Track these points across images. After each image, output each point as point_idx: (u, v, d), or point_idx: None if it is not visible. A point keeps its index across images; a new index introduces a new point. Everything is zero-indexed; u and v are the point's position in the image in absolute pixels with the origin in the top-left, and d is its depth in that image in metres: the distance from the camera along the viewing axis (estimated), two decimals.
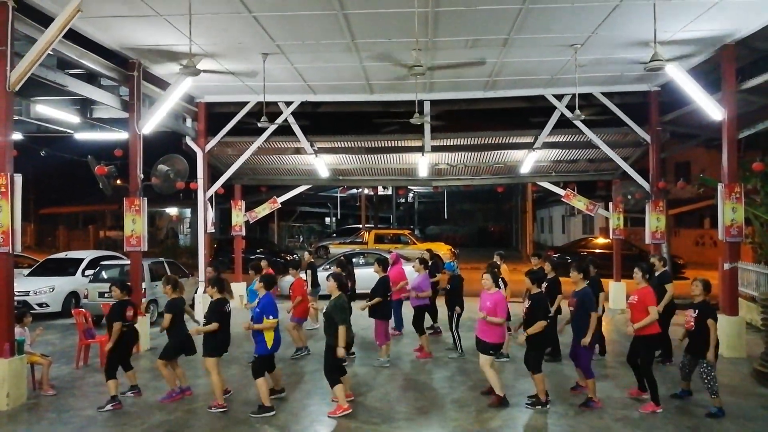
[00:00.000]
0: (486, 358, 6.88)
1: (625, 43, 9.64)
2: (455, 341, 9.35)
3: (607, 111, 13.11)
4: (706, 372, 6.52)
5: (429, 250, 12.65)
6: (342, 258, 11.76)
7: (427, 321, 10.07)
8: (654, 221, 12.70)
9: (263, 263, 9.73)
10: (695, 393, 7.04)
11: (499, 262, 9.71)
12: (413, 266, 9.95)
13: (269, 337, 6.70)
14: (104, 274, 12.92)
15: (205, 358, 6.82)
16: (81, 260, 14.48)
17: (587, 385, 6.89)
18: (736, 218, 9.54)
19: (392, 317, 9.70)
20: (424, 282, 9.65)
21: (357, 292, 11.06)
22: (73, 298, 13.41)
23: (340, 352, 6.45)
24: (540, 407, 6.71)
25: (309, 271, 11.63)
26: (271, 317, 6.66)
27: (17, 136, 12.23)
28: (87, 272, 13.82)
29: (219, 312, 6.81)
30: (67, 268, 14.22)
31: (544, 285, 7.64)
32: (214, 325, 6.72)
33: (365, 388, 7.66)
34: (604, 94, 12.75)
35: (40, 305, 12.83)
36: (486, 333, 6.87)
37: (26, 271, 14.56)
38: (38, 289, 13.09)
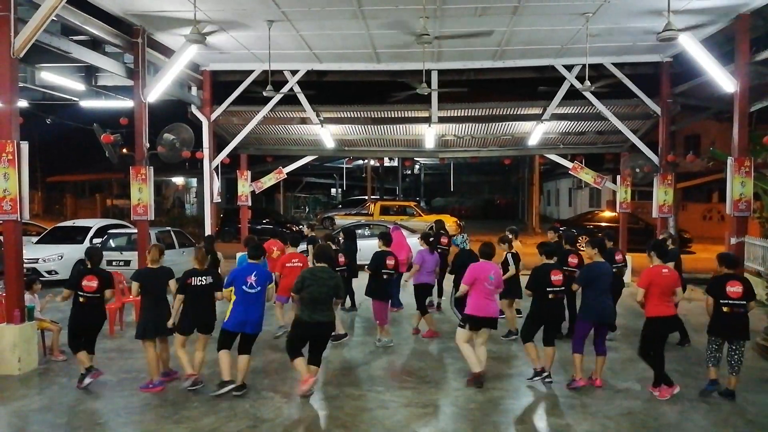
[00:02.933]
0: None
1: (637, 11, 9.44)
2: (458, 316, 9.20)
3: (618, 82, 12.93)
4: (740, 354, 6.17)
5: (438, 221, 11.66)
6: (347, 230, 11.35)
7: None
8: (662, 195, 12.62)
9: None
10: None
11: (510, 237, 9.14)
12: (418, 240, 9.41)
13: (227, 310, 6.29)
14: (112, 243, 13.03)
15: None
16: (89, 228, 14.58)
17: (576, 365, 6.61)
18: (744, 192, 9.47)
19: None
20: (419, 257, 8.89)
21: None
22: (81, 266, 13.55)
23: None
24: (537, 378, 6.65)
25: (310, 246, 11.37)
26: (224, 289, 6.38)
27: (23, 103, 12.20)
28: (95, 240, 13.93)
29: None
30: (75, 236, 14.32)
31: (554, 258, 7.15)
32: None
33: (369, 358, 7.75)
34: (614, 64, 12.56)
35: (49, 272, 12.96)
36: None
37: (35, 239, 14.69)
38: (47, 257, 13.21)
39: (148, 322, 6.47)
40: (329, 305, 6.25)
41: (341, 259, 9.08)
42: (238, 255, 8.78)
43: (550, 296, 6.54)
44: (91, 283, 6.51)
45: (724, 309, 6.12)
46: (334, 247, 8.78)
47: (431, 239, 9.20)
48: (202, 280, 6.39)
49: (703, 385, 6.42)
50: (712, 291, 6.24)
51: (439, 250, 9.84)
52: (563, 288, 6.61)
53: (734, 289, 6.12)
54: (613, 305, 6.68)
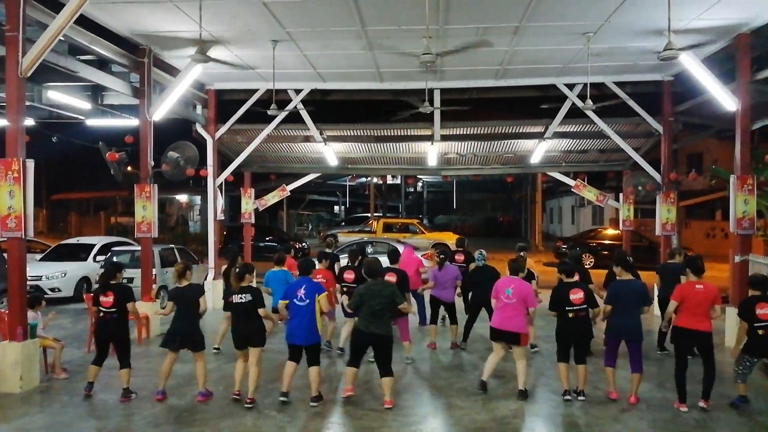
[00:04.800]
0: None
1: (638, 31, 9.52)
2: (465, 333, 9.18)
3: (619, 101, 12.98)
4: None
5: (460, 239, 11.36)
6: (354, 247, 11.23)
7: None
8: (665, 213, 12.60)
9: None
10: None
11: (524, 255, 9.08)
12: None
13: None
14: (115, 260, 13.03)
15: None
16: (92, 246, 14.62)
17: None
18: (748, 210, 9.45)
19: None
20: (431, 273, 9.29)
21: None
22: (84, 283, 13.56)
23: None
24: (568, 397, 6.69)
25: (324, 262, 11.21)
26: (280, 301, 6.82)
27: (29, 121, 12.31)
28: (98, 258, 13.95)
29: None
30: (79, 253, 14.36)
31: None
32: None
33: (372, 377, 7.70)
34: (616, 83, 12.62)
35: (52, 290, 12.97)
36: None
37: (38, 256, 14.72)
38: (50, 274, 13.23)
39: (169, 334, 6.76)
40: (387, 319, 6.47)
41: (351, 276, 8.91)
42: (267, 272, 8.87)
43: (570, 315, 6.59)
44: (107, 298, 6.73)
45: (759, 332, 6.28)
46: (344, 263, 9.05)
47: (441, 256, 9.35)
48: (241, 298, 6.53)
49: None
50: (744, 315, 6.38)
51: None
52: (584, 306, 6.61)
53: (764, 311, 6.27)
54: (639, 322, 6.60)
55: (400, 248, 9.93)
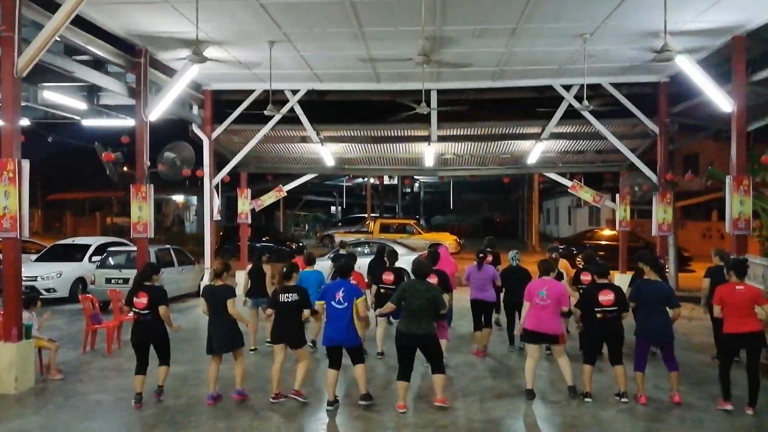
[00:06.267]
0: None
1: (634, 33, 9.55)
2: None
3: (616, 102, 13.03)
4: None
5: (490, 239, 10.78)
6: (388, 248, 10.48)
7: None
8: (661, 213, 12.64)
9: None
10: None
11: (555, 257, 9.01)
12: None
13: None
14: (111, 261, 13.01)
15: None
16: (88, 246, 14.56)
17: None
18: (743, 211, 9.49)
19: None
20: (467, 273, 8.83)
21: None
22: (80, 284, 13.50)
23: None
24: (580, 396, 6.71)
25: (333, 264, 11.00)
26: (316, 302, 6.68)
27: (25, 122, 12.27)
28: (94, 258, 13.91)
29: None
30: (75, 254, 14.30)
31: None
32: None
33: (374, 374, 7.69)
34: (612, 84, 12.66)
35: (47, 290, 12.91)
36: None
37: (34, 257, 14.66)
38: (46, 275, 13.17)
39: (208, 341, 6.62)
40: (427, 318, 6.30)
41: (391, 277, 8.64)
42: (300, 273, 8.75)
43: (598, 315, 6.57)
44: (141, 299, 6.52)
45: None
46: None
47: (480, 255, 8.89)
48: (288, 297, 6.46)
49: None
50: None
51: None
52: (614, 307, 6.55)
53: None
54: (668, 323, 6.54)
55: (440, 249, 9.34)
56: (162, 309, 6.54)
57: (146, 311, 6.49)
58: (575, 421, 6.21)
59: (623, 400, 6.61)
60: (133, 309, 6.57)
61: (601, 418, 6.25)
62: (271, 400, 6.59)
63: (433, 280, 7.67)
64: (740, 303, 6.23)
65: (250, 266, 9.14)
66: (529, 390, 6.77)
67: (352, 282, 6.78)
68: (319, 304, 6.59)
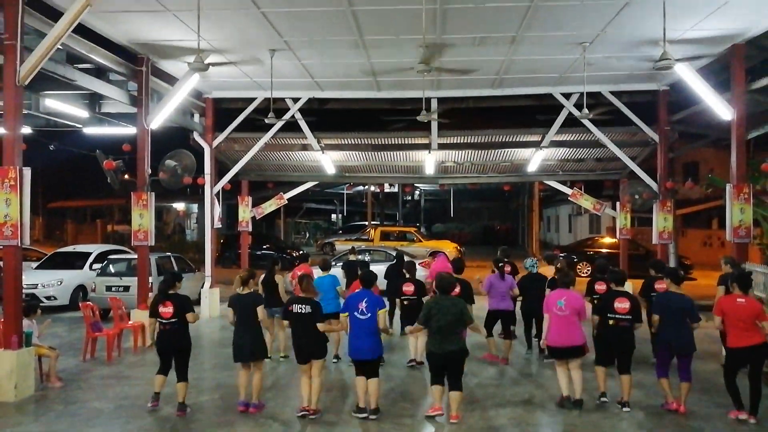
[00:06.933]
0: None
1: (634, 41, 9.59)
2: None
3: (616, 110, 13.06)
4: None
5: (504, 249, 10.13)
6: (409, 259, 10.57)
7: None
8: (661, 221, 12.64)
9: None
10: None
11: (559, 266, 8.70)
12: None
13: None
14: (111, 268, 13.01)
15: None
16: (89, 254, 14.57)
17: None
18: (744, 219, 9.49)
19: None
20: (487, 282, 8.66)
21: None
22: (80, 292, 13.50)
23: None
24: (604, 399, 6.72)
25: (343, 271, 10.97)
26: (341, 314, 6.65)
27: (26, 129, 12.31)
28: (95, 266, 13.91)
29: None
30: (75, 261, 14.31)
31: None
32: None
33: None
34: (612, 93, 12.69)
35: (48, 298, 12.91)
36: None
37: (34, 264, 14.66)
38: (46, 282, 13.18)
39: (237, 348, 6.58)
40: (457, 333, 6.26)
41: (411, 288, 8.61)
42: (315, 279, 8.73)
43: (611, 322, 6.58)
44: (166, 308, 6.50)
45: None
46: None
47: (500, 264, 8.76)
48: (301, 309, 6.34)
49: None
50: None
51: None
52: (628, 316, 6.54)
53: None
54: (691, 336, 6.52)
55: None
56: (190, 316, 6.61)
57: (173, 320, 6.50)
58: (576, 429, 6.19)
59: (625, 409, 6.60)
60: (159, 319, 6.53)
61: (602, 427, 6.23)
62: (298, 415, 6.44)
63: (456, 289, 7.47)
64: (741, 316, 6.20)
65: (262, 275, 9.14)
66: (565, 397, 6.69)
67: (375, 293, 6.68)
68: (343, 317, 6.53)
